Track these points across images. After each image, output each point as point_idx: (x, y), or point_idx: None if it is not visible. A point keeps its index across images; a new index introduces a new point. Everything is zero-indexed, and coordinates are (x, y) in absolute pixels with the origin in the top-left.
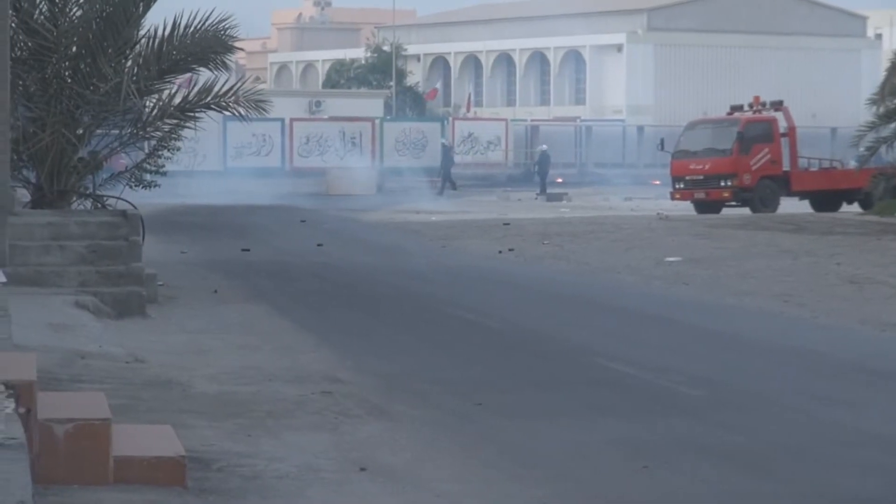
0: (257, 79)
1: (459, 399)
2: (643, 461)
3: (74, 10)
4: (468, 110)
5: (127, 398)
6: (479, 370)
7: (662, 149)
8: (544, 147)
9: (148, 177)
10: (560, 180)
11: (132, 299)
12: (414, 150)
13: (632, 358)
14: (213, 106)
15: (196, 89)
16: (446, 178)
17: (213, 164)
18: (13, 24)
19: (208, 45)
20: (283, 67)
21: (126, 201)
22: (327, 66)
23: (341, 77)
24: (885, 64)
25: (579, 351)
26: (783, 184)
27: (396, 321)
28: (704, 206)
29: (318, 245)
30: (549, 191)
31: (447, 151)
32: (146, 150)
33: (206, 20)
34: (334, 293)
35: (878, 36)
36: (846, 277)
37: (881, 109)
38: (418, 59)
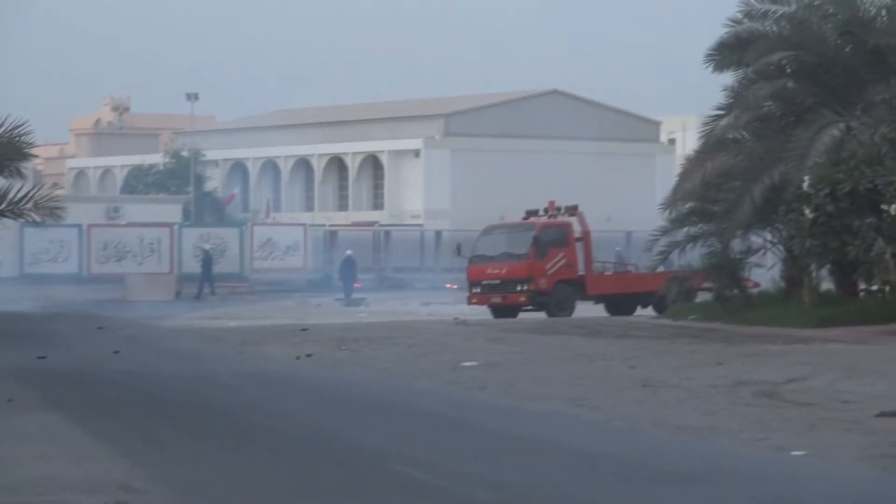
0: (55, 184)
1: None
2: None
3: None
4: (267, 215)
5: None
6: (278, 477)
7: (459, 253)
8: (349, 252)
9: None
10: (359, 285)
11: None
12: (213, 255)
13: (428, 463)
14: (8, 213)
15: None
16: (206, 282)
17: (9, 271)
18: None
19: (3, 151)
20: (81, 173)
21: None
22: (126, 171)
23: (140, 182)
24: (678, 169)
25: (377, 456)
26: (579, 288)
27: (195, 428)
28: (501, 311)
29: (115, 352)
30: (353, 296)
31: (208, 256)
32: None
33: (1, 127)
34: (132, 401)
35: (672, 141)
36: (640, 381)
37: (673, 214)
38: (217, 165)
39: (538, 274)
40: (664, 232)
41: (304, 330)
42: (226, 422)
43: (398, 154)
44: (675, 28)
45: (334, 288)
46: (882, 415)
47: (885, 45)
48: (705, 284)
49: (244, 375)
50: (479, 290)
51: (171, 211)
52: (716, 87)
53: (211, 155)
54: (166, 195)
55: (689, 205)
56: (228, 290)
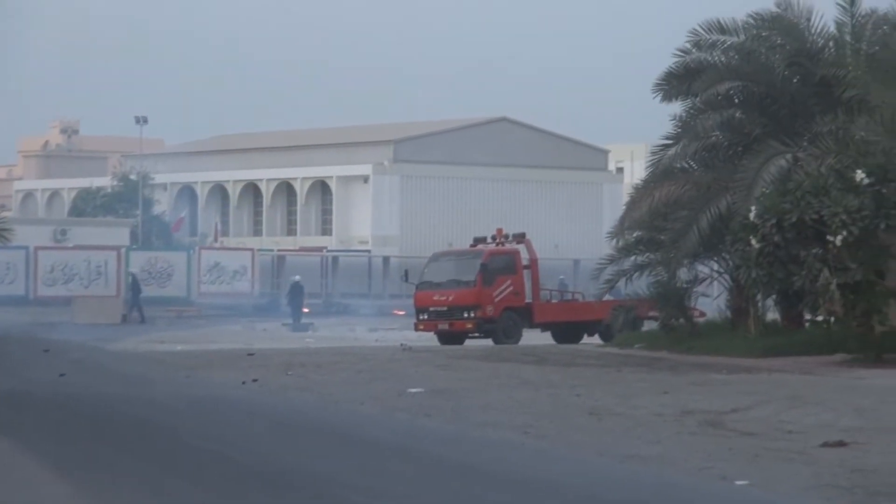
0: (1, 206)
1: None
2: None
3: None
4: (215, 240)
5: None
6: (223, 502)
7: (407, 280)
8: (297, 278)
9: None
10: (307, 310)
11: None
12: (160, 279)
13: (374, 490)
14: None
15: None
16: (136, 307)
17: None
18: None
19: None
20: (28, 195)
21: None
22: (73, 194)
23: (87, 205)
24: (626, 197)
25: (324, 483)
26: (526, 315)
27: (140, 452)
28: (448, 337)
29: (61, 375)
30: (302, 321)
31: (135, 280)
32: None
33: None
34: (77, 424)
35: (620, 169)
36: (586, 409)
37: (620, 243)
38: (165, 188)
39: (485, 301)
40: (611, 260)
41: (251, 355)
42: (172, 447)
43: (347, 180)
44: (624, 57)
45: (281, 313)
46: (826, 445)
47: (831, 76)
48: (652, 313)
49: (190, 400)
50: (426, 316)
51: (118, 234)
52: (664, 116)
53: (159, 178)
54: (114, 218)
55: (636, 234)
56: (175, 314)
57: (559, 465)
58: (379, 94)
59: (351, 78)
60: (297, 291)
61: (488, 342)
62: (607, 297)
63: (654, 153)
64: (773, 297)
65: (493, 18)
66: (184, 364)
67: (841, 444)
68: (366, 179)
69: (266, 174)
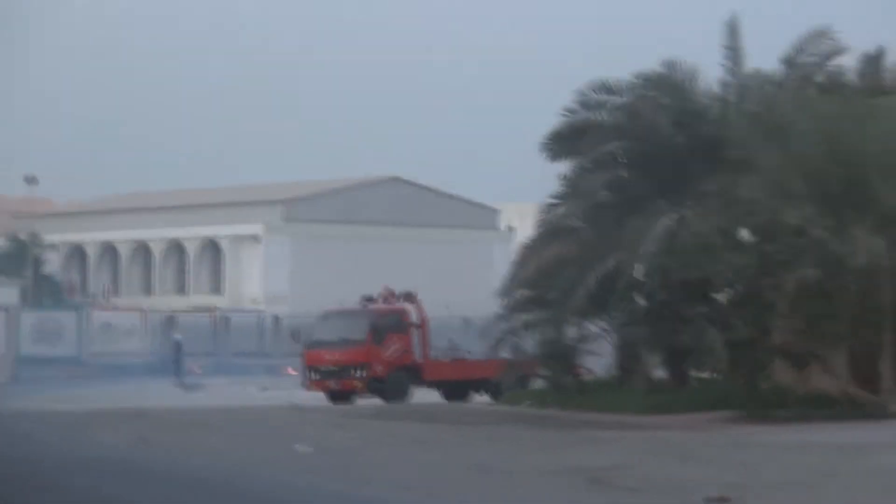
0: None
1: None
2: None
3: None
4: (106, 300)
5: None
6: None
7: (297, 340)
8: (178, 336)
9: None
10: (198, 370)
11: None
12: (50, 339)
13: None
14: None
15: None
16: (180, 374)
17: None
18: None
19: None
20: None
21: None
22: None
23: None
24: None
25: None
26: (416, 373)
27: None
28: (338, 396)
29: None
30: (185, 380)
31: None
32: None
33: None
34: None
35: (510, 228)
36: (474, 466)
37: (510, 301)
38: (56, 248)
39: (375, 360)
40: (501, 318)
41: (140, 415)
42: None
43: (238, 239)
44: (515, 116)
45: (171, 372)
46: (709, 500)
47: (716, 136)
48: (541, 371)
49: (80, 460)
50: (317, 375)
51: (8, 294)
52: (553, 175)
53: (49, 238)
54: (4, 278)
55: (525, 292)
56: (66, 375)
57: None
58: (268, 153)
59: (240, 137)
60: (177, 349)
61: (378, 400)
62: (496, 356)
63: (542, 212)
64: (660, 354)
65: (384, 76)
66: (74, 424)
67: (723, 499)
68: (257, 239)
69: (156, 234)
